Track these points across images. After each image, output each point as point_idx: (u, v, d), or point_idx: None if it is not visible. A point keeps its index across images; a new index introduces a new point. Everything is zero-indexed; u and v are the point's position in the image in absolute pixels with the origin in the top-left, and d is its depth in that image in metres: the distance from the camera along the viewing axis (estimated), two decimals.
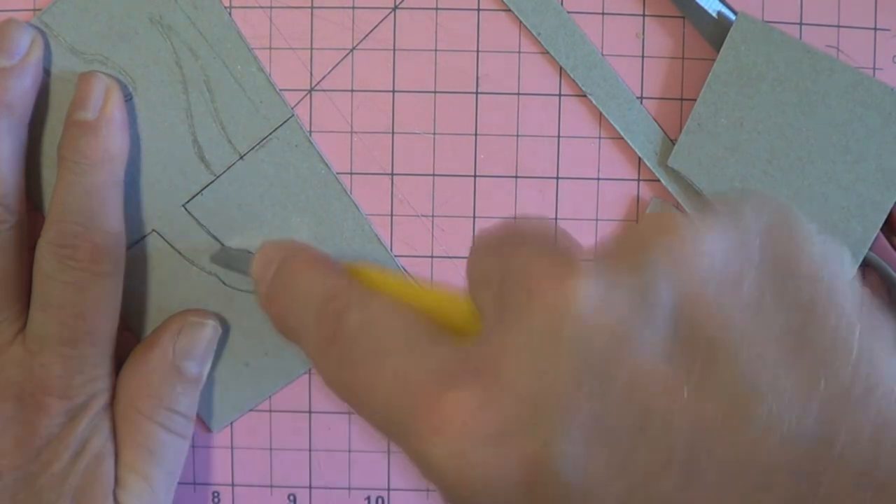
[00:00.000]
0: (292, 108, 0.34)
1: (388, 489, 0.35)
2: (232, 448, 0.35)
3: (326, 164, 0.34)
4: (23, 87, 0.31)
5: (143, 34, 0.33)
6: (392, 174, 0.34)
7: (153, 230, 0.34)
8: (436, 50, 0.34)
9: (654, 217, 0.20)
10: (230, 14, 0.33)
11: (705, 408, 0.17)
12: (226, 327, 0.34)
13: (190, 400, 0.33)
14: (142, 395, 0.32)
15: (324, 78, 0.34)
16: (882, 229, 0.33)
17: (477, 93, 0.34)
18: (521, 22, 0.33)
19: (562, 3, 0.34)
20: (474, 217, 0.34)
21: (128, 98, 0.33)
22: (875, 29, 0.34)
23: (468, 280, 0.23)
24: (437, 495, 0.20)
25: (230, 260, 0.33)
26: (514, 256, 0.20)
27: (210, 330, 0.33)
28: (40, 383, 0.30)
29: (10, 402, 0.30)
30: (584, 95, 0.34)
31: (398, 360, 0.21)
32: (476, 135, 0.34)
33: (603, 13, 0.34)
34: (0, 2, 0.33)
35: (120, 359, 0.33)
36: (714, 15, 0.33)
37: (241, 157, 0.34)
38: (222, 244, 0.34)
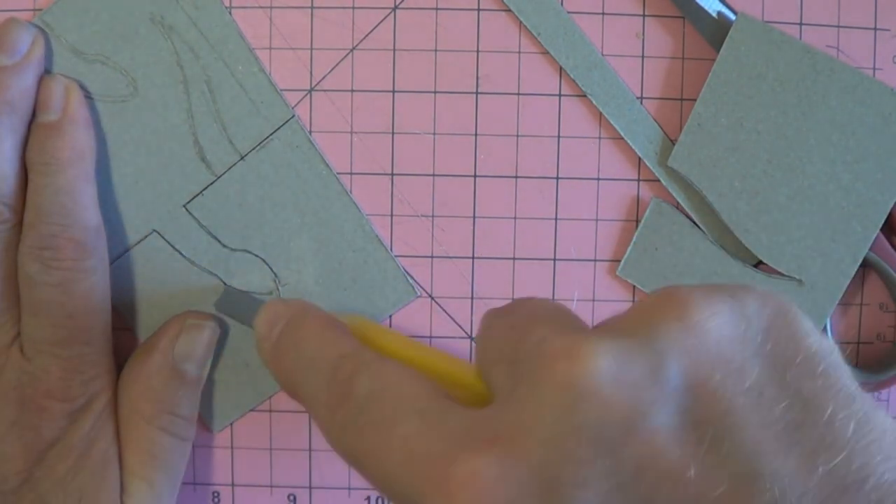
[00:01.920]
0: (293, 109, 0.34)
1: None
2: (232, 448, 0.35)
3: (327, 165, 0.34)
4: (24, 86, 0.31)
5: (145, 34, 0.33)
6: (392, 174, 0.34)
7: (153, 230, 0.34)
8: (436, 50, 0.34)
9: (664, 297, 0.20)
10: (230, 14, 0.33)
11: (711, 488, 0.18)
12: (225, 328, 0.34)
13: (191, 402, 0.33)
14: (143, 400, 0.32)
15: (324, 78, 0.34)
16: (882, 229, 0.33)
17: (477, 93, 0.34)
18: (521, 22, 0.33)
19: (562, 3, 0.34)
20: (474, 217, 0.34)
21: (87, 97, 0.33)
22: (875, 29, 0.34)
23: (479, 355, 0.23)
24: None
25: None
26: (529, 334, 0.21)
27: (209, 332, 0.33)
28: (40, 387, 0.30)
29: (13, 407, 0.30)
30: (584, 95, 0.34)
31: (409, 427, 0.21)
32: (476, 135, 0.34)
33: (603, 13, 0.34)
34: (0, 2, 0.33)
35: (120, 359, 0.33)
36: (714, 15, 0.33)
37: (242, 158, 0.34)
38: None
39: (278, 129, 0.34)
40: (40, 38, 0.32)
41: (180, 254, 0.34)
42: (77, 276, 0.30)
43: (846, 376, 0.20)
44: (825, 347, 0.20)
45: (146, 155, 0.34)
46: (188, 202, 0.34)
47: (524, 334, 0.21)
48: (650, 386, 0.19)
